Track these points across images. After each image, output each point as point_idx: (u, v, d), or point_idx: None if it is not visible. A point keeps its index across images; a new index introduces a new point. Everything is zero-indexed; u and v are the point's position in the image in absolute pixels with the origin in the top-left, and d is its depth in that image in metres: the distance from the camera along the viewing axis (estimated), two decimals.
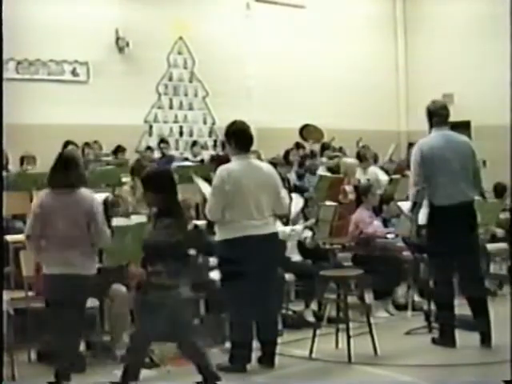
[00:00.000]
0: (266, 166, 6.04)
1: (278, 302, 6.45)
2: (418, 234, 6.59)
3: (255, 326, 5.80)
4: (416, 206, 6.34)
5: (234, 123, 5.91)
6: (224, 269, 5.86)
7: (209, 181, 7.06)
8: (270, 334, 5.84)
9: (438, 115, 6.35)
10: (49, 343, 5.73)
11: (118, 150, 11.26)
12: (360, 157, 10.91)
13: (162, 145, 12.25)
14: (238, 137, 5.77)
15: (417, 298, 7.92)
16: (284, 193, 5.99)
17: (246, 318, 5.70)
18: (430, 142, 6.30)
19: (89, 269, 5.25)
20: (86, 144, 10.97)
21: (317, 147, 12.00)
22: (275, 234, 5.89)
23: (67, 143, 10.02)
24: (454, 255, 6.23)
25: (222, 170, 5.77)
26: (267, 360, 5.79)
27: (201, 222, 7.53)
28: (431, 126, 6.39)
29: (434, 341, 6.41)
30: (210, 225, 7.17)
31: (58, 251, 5.14)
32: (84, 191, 5.27)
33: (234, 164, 5.77)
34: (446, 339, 6.28)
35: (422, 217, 6.48)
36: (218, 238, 5.82)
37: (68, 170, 5.23)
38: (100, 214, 5.29)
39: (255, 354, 5.82)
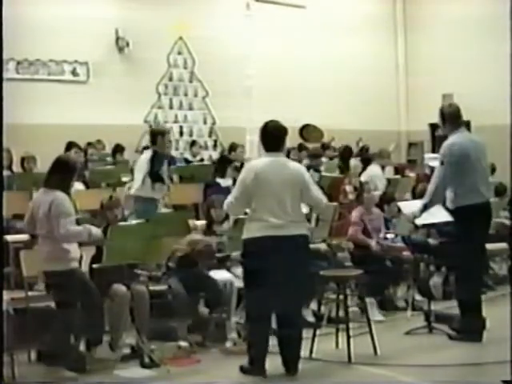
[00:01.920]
0: (294, 165, 5.93)
1: (300, 305, 6.04)
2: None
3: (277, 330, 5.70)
4: (430, 204, 6.47)
5: (266, 123, 5.90)
6: (245, 268, 5.80)
7: None
8: (290, 338, 5.64)
9: (457, 117, 6.54)
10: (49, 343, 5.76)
11: (117, 149, 11.25)
12: (363, 158, 10.91)
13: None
14: (266, 136, 5.80)
15: (418, 297, 7.93)
16: (316, 190, 5.83)
17: (262, 319, 5.56)
18: (460, 143, 6.43)
19: (58, 263, 5.69)
20: (89, 144, 10.96)
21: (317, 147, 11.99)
22: (301, 236, 5.63)
23: (70, 145, 10.01)
24: (483, 251, 6.52)
25: (247, 165, 5.93)
26: (292, 367, 5.62)
27: (200, 223, 7.54)
28: (443, 127, 6.56)
29: (450, 337, 6.50)
30: (209, 225, 7.20)
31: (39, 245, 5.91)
32: (52, 192, 5.77)
33: (260, 160, 5.80)
34: (469, 335, 6.36)
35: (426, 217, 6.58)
36: (243, 236, 5.70)
37: (51, 173, 5.94)
38: (55, 214, 5.67)
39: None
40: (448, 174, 6.36)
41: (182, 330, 6.46)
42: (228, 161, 9.94)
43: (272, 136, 5.79)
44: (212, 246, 6.83)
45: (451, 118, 6.53)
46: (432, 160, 11.48)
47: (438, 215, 6.71)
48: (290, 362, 5.62)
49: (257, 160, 5.91)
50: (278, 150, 5.77)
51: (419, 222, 6.84)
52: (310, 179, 5.90)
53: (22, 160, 9.51)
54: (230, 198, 5.79)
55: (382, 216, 8.34)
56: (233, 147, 11.28)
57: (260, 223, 5.54)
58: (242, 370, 5.66)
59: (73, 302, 5.68)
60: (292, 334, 5.60)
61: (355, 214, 8.06)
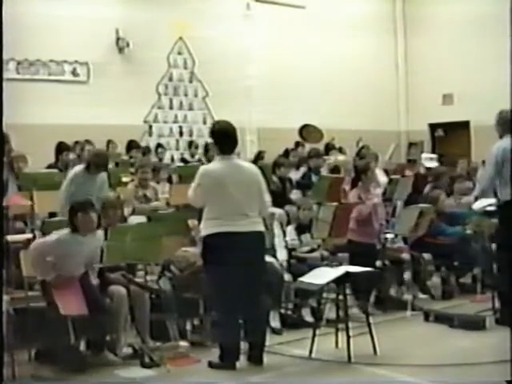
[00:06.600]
0: (250, 166, 6.00)
1: (266, 302, 6.19)
2: None
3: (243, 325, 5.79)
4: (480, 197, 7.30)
5: (217, 123, 5.90)
6: (207, 265, 5.79)
7: None
8: (256, 333, 5.79)
9: (504, 123, 6.99)
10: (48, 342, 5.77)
11: (132, 145, 11.23)
12: (360, 157, 10.90)
13: (159, 149, 12.16)
14: (221, 138, 5.76)
15: (420, 295, 7.94)
16: (267, 197, 5.91)
17: (229, 315, 5.67)
18: (501, 145, 6.89)
19: None
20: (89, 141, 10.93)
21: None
22: (259, 233, 5.76)
23: (60, 145, 10.03)
24: None
25: (202, 169, 5.84)
26: (255, 358, 5.76)
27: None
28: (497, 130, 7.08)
29: (497, 321, 6.74)
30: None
31: None
32: None
33: (215, 164, 5.78)
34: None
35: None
36: (202, 233, 5.79)
37: None
38: None
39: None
40: (492, 172, 6.85)
41: (173, 330, 6.46)
42: None
43: (229, 138, 5.74)
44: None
45: (499, 123, 7.04)
46: (428, 161, 11.56)
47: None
48: (254, 353, 5.72)
49: (210, 164, 5.88)
50: (232, 152, 5.75)
51: (476, 207, 7.82)
52: (263, 182, 5.92)
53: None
54: (192, 199, 5.85)
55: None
56: None
57: (220, 221, 5.58)
58: (211, 365, 5.73)
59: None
60: (256, 325, 5.76)
61: (352, 194, 7.92)
